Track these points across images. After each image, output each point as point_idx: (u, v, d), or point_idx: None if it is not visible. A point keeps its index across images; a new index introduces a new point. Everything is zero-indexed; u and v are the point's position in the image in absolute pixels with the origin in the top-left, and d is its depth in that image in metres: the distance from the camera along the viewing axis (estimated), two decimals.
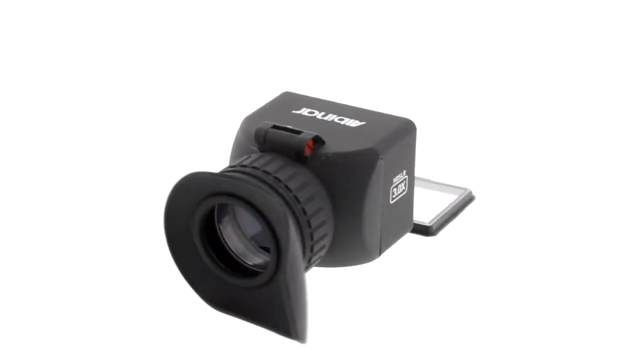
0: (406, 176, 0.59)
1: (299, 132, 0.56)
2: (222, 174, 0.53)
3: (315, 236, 0.54)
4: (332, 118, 0.59)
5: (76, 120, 0.75)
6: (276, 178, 0.54)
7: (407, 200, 0.60)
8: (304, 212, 0.54)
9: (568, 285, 0.60)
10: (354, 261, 0.58)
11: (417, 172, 0.68)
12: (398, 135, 0.59)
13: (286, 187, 0.54)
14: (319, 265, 0.58)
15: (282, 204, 0.52)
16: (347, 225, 0.57)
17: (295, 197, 0.54)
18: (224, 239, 0.55)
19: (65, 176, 0.68)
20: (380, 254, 0.59)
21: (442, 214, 0.65)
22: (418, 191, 0.67)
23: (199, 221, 0.54)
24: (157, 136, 0.73)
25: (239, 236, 0.56)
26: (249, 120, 0.59)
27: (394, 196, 0.58)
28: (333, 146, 0.57)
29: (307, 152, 0.56)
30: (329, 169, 0.56)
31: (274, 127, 0.57)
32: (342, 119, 0.59)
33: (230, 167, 0.55)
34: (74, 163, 0.70)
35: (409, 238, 0.63)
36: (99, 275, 0.59)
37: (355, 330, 0.56)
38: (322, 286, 0.58)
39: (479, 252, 0.63)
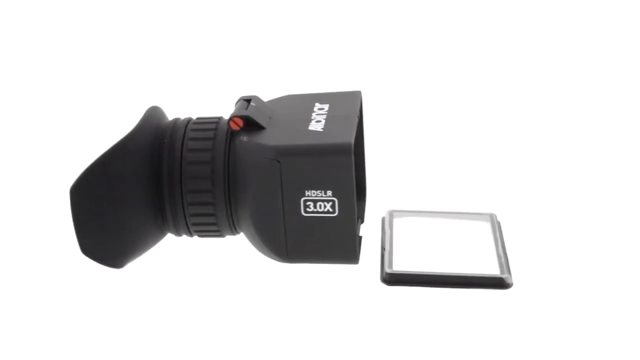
0: (334, 198, 0.56)
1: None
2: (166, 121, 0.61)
3: (190, 198, 0.58)
4: (317, 118, 0.59)
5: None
6: (189, 137, 0.59)
7: (337, 225, 0.56)
8: (185, 172, 0.58)
9: None
10: (264, 251, 0.58)
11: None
12: (320, 151, 0.56)
13: (186, 146, 0.58)
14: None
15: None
16: (243, 210, 0.58)
17: (185, 157, 0.58)
18: None
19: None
20: (289, 258, 0.58)
21: (429, 274, 0.58)
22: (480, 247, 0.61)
23: None
24: None
25: None
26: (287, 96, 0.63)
27: (309, 210, 0.56)
28: (264, 135, 0.57)
29: (233, 127, 0.58)
30: (238, 151, 0.58)
31: (245, 100, 0.60)
32: (319, 122, 0.58)
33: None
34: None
35: (360, 274, 0.59)
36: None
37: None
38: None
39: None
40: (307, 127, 0.58)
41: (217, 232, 0.60)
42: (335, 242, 0.57)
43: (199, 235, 0.60)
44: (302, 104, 0.61)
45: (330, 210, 0.56)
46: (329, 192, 0.56)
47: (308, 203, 0.56)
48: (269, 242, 0.58)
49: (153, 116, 0.60)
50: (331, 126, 0.58)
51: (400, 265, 0.59)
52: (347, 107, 0.60)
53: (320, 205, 0.56)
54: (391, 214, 0.64)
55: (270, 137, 0.57)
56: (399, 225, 0.63)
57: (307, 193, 0.56)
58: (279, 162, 0.56)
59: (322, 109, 0.60)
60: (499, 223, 0.63)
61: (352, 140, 0.56)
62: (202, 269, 0.61)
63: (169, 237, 0.61)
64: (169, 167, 0.58)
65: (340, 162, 0.56)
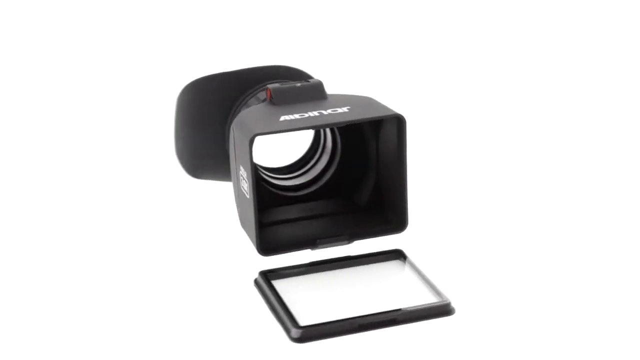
0: (247, 182, 0.58)
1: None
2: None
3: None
4: (309, 114, 0.59)
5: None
6: (255, 95, 0.65)
7: (249, 208, 0.58)
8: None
9: None
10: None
11: None
12: (243, 131, 0.58)
13: (247, 100, 0.65)
14: None
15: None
16: None
17: (239, 107, 0.65)
18: None
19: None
20: (242, 225, 0.61)
21: (270, 292, 0.56)
22: None
23: None
24: None
25: None
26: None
27: (241, 183, 0.59)
28: (258, 107, 0.61)
29: (267, 95, 0.62)
30: None
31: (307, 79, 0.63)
32: (302, 115, 0.59)
33: None
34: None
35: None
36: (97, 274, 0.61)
37: None
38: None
39: None
40: (282, 115, 0.59)
41: None
42: (250, 224, 0.59)
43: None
44: (343, 102, 0.61)
45: (247, 190, 0.58)
46: (245, 174, 0.58)
47: (241, 175, 0.59)
48: (236, 203, 0.62)
49: (277, 71, 0.67)
50: (291, 120, 0.58)
51: (279, 282, 0.57)
52: (350, 116, 0.59)
53: (244, 183, 0.59)
54: (402, 256, 0.60)
55: (252, 110, 0.61)
56: (383, 264, 0.59)
57: (240, 167, 0.59)
58: (233, 130, 0.60)
59: (335, 110, 0.60)
60: (446, 311, 0.54)
61: (260, 132, 0.56)
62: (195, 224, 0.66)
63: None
64: (234, 110, 0.66)
65: (245, 146, 0.57)
